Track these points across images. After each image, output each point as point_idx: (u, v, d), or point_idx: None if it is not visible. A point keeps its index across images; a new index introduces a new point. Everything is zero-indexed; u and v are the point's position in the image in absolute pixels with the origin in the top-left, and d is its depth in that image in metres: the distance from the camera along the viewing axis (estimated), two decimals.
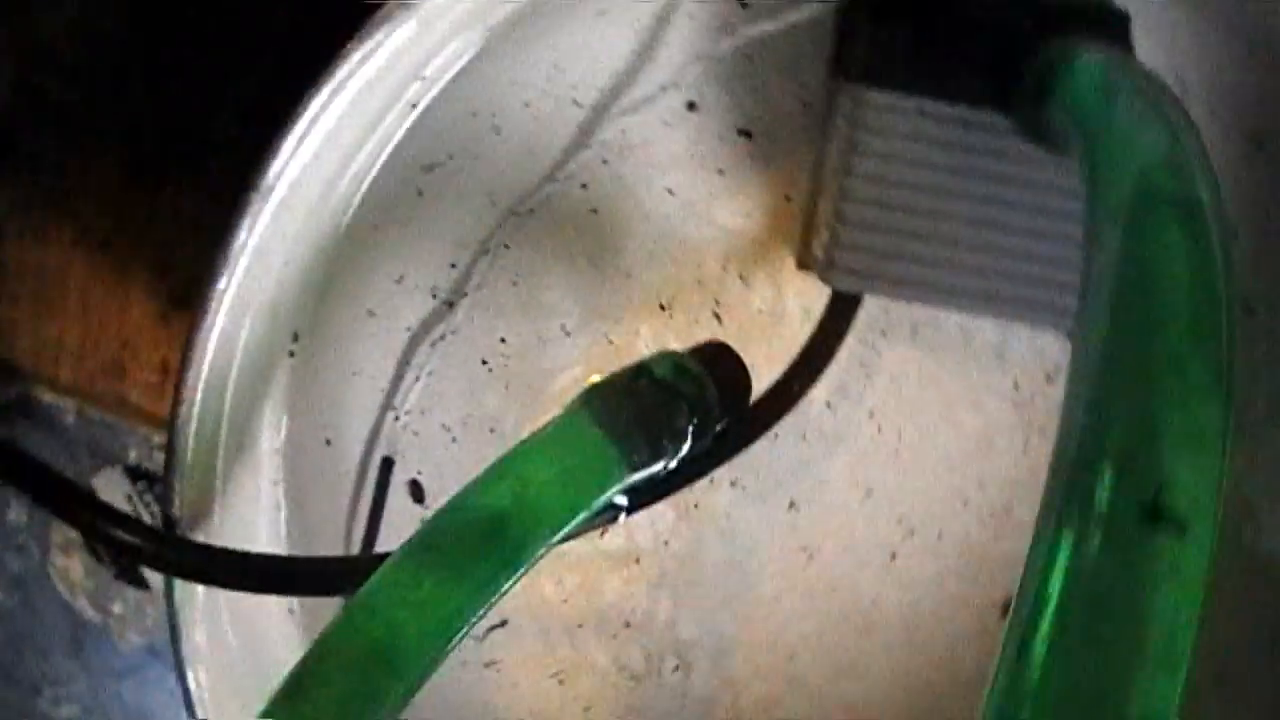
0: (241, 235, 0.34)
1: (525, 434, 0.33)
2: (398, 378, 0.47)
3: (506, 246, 0.45)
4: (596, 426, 0.33)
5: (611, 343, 0.46)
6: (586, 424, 0.33)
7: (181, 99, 0.51)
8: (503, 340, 0.46)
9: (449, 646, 0.29)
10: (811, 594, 0.48)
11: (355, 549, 0.43)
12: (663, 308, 0.47)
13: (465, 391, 0.46)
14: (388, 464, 0.46)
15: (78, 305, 0.53)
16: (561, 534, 0.32)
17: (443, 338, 0.46)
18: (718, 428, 0.36)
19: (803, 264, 0.40)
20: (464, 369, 0.46)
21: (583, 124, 0.44)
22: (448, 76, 0.35)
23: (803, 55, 0.43)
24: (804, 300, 0.46)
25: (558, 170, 0.44)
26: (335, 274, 0.39)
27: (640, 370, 0.36)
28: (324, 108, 0.32)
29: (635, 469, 0.34)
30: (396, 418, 0.46)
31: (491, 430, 0.47)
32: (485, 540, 0.31)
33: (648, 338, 0.47)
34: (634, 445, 0.34)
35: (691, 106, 0.46)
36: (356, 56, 0.32)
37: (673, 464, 0.35)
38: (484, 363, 0.46)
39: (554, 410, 0.46)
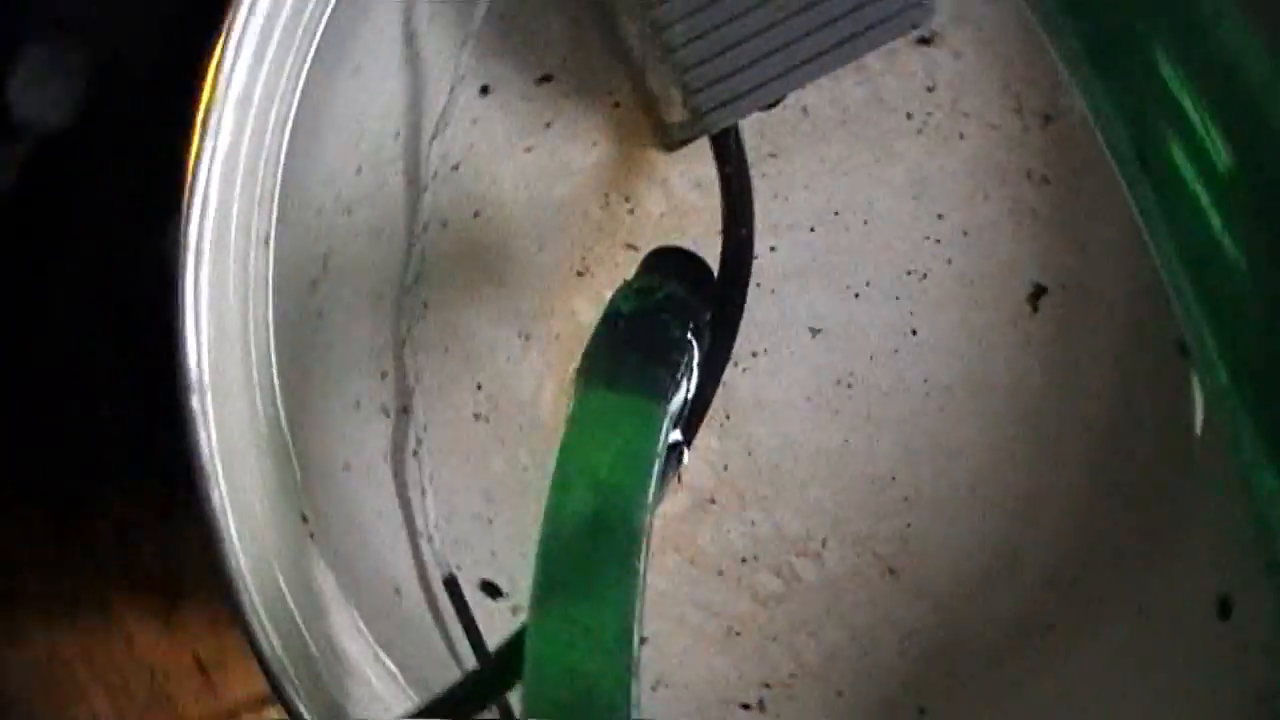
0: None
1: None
2: (406, 504, 0.46)
3: (417, 323, 0.44)
4: (609, 390, 0.33)
5: (557, 337, 0.46)
6: (600, 394, 0.33)
7: None
8: (479, 386, 0.45)
9: (635, 663, 0.29)
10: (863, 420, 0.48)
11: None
12: (580, 274, 0.46)
13: (472, 465, 0.45)
14: (452, 583, 0.45)
15: None
16: (652, 497, 0.31)
17: (419, 445, 0.45)
18: (708, 316, 0.36)
19: (669, 145, 0.40)
20: (457, 447, 0.45)
21: (408, 173, 0.43)
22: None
23: None
24: (690, 176, 0.45)
25: (416, 230, 0.43)
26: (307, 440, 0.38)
27: (610, 317, 0.35)
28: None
29: (668, 400, 0.33)
30: (429, 539, 0.44)
31: (523, 473, 0.46)
32: (596, 545, 0.30)
33: (585, 308, 0.46)
34: (652, 381, 0.33)
35: (485, 90, 0.45)
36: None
37: (694, 375, 0.34)
38: (476, 417, 0.45)
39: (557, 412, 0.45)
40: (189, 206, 0.31)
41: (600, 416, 0.33)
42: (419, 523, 0.45)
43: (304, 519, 0.38)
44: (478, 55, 0.43)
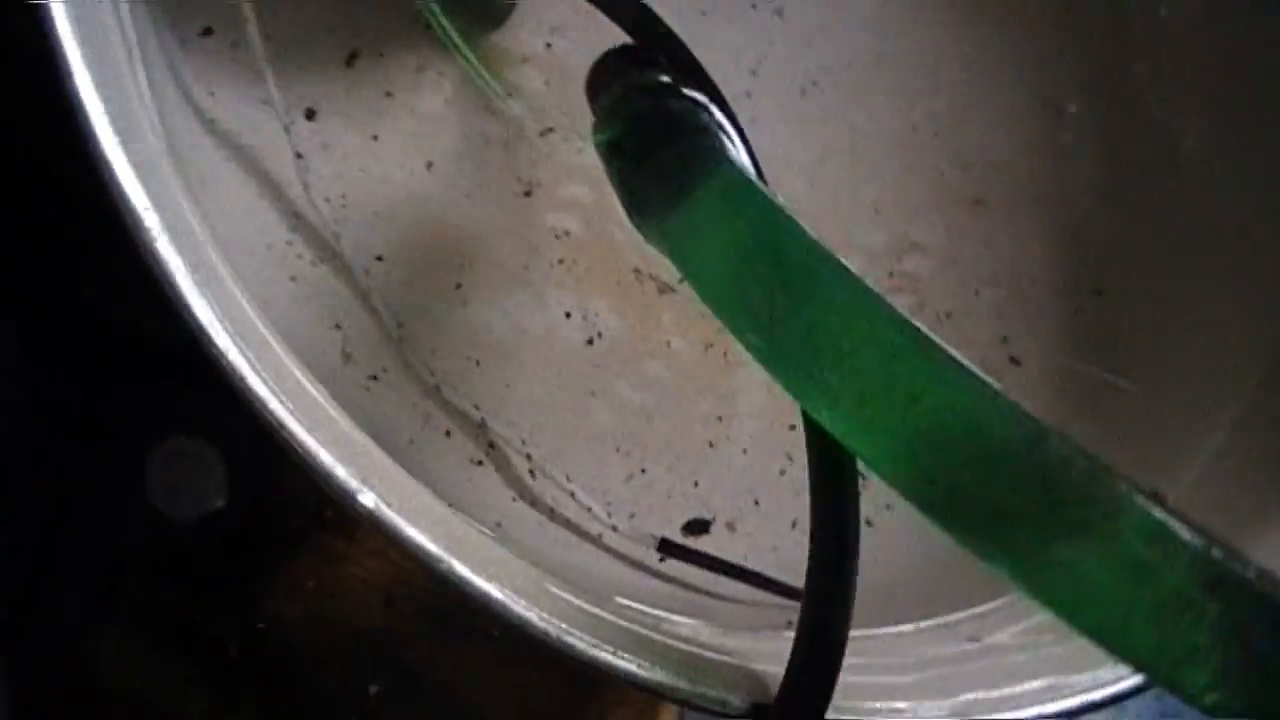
0: None
1: None
2: None
3: None
4: (687, 199, 0.29)
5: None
6: (685, 210, 0.29)
7: None
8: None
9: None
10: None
11: None
12: (527, 194, 0.42)
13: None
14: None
15: None
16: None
17: None
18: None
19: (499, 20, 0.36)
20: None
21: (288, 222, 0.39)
22: None
23: None
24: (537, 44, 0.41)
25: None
26: None
27: (617, 154, 0.31)
28: None
29: (730, 158, 0.29)
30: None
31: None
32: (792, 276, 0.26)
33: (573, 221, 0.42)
34: (707, 155, 0.29)
35: (310, 114, 0.41)
36: None
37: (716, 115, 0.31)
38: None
39: None
40: None
41: (707, 223, 0.28)
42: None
43: None
44: (277, 78, 0.39)
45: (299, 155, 0.40)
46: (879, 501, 0.43)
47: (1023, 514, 0.22)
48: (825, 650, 0.28)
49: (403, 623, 0.43)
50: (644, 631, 0.30)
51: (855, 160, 0.46)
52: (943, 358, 0.24)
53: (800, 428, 0.44)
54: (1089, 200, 0.47)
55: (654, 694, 0.28)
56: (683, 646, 0.30)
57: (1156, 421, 0.43)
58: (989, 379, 0.23)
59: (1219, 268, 0.45)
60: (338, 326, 0.40)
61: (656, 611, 0.38)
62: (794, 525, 0.44)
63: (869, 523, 0.45)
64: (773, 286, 0.26)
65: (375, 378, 0.40)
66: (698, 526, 0.43)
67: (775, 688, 0.28)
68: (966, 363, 0.23)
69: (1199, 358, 0.45)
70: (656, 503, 0.43)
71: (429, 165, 0.42)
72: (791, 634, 0.28)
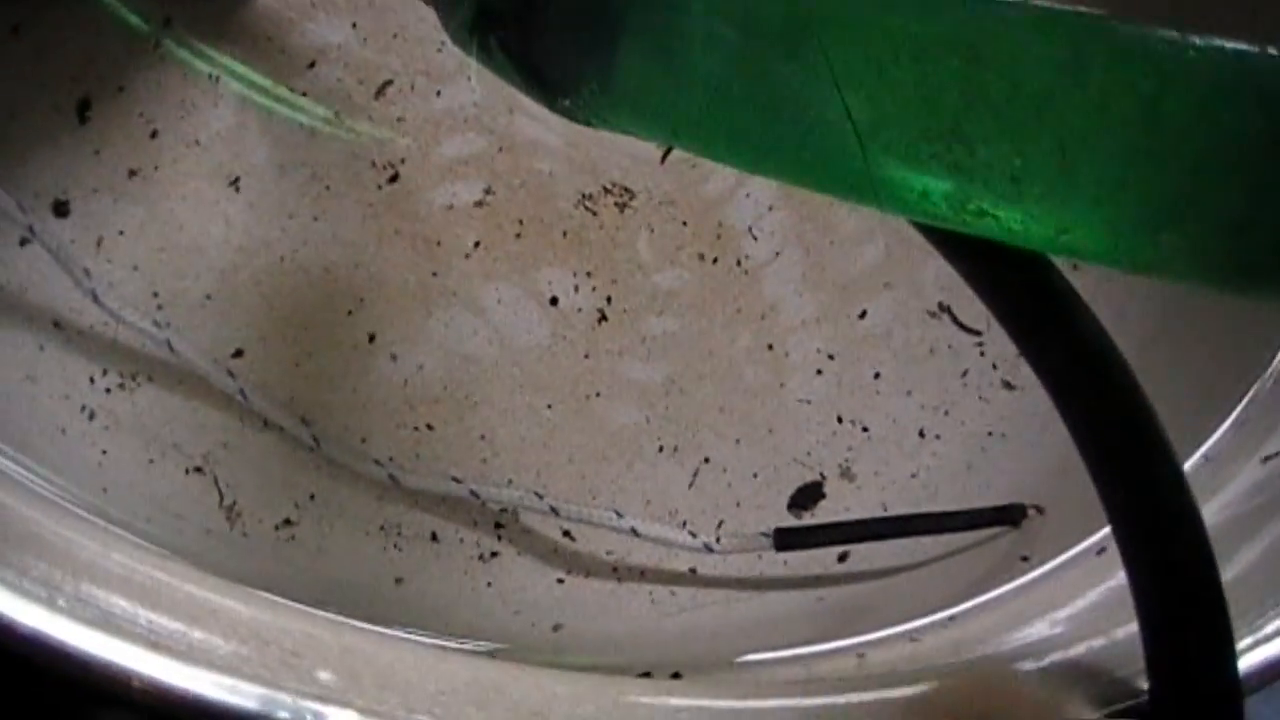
0: None
1: None
2: None
3: None
4: None
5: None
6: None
7: None
8: None
9: None
10: None
11: None
12: (393, 179, 0.30)
13: None
14: None
15: None
16: None
17: None
18: None
19: None
20: None
21: None
22: None
23: None
24: None
25: None
26: None
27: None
28: None
29: None
30: None
31: None
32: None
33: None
34: None
35: (61, 207, 0.28)
36: None
37: None
38: None
39: None
40: None
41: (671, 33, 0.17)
42: None
43: None
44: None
45: (66, 264, 0.27)
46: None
47: None
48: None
49: None
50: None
51: None
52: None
53: (872, 314, 0.32)
54: None
55: None
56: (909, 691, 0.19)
57: None
58: None
59: None
60: (199, 470, 0.27)
61: (821, 647, 0.26)
62: (921, 435, 0.32)
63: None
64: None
65: (290, 521, 0.27)
66: (808, 495, 0.31)
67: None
68: None
69: None
70: (742, 491, 0.31)
71: (249, 205, 0.29)
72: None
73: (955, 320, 0.33)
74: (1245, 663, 0.20)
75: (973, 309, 0.33)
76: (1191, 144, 0.15)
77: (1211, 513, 0.25)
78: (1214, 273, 0.17)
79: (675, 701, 0.19)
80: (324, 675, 0.16)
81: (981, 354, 0.33)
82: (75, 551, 0.17)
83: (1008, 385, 0.33)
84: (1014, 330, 0.18)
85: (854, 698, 0.20)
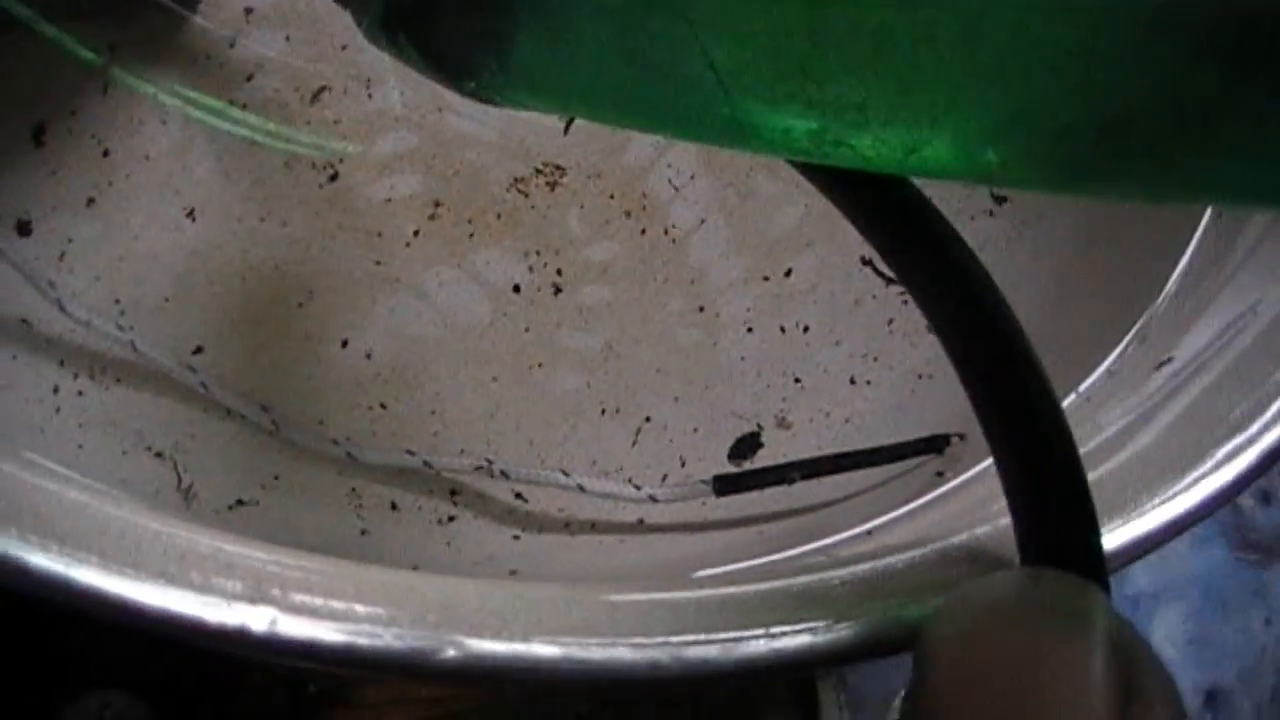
0: None
1: None
2: None
3: None
4: None
5: None
6: None
7: None
8: None
9: None
10: None
11: None
12: (333, 178, 0.32)
13: None
14: None
15: None
16: None
17: None
18: None
19: None
20: None
21: None
22: None
23: None
24: None
25: None
26: None
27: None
28: None
29: None
30: None
31: None
32: None
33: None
34: None
35: (23, 226, 0.30)
36: None
37: None
38: None
39: None
40: None
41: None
42: None
43: None
44: None
45: (32, 277, 0.29)
46: None
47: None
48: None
49: None
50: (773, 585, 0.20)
51: None
52: None
53: (797, 272, 0.34)
54: None
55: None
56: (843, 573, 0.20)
57: None
58: None
59: None
60: (160, 455, 0.29)
61: (753, 562, 0.28)
62: (852, 381, 0.34)
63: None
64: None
65: (242, 502, 0.29)
66: (747, 445, 0.33)
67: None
68: None
69: None
70: (684, 446, 0.33)
71: (191, 212, 0.31)
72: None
73: (877, 272, 0.35)
74: (1128, 534, 0.22)
75: None
76: (1011, 60, 0.17)
77: (1115, 417, 0.27)
78: (1049, 177, 0.18)
79: (660, 596, 0.20)
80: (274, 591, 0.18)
81: (905, 302, 0.35)
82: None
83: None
84: (880, 247, 0.20)
85: (827, 575, 0.21)
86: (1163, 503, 0.22)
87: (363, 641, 0.17)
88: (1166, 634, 0.46)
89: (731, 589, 0.20)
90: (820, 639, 0.18)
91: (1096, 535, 0.19)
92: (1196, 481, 0.22)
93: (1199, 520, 0.22)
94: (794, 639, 0.18)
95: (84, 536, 0.17)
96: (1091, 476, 0.19)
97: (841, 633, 0.18)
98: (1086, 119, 0.17)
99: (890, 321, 0.35)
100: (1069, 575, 0.17)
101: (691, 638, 0.18)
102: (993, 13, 0.17)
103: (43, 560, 0.17)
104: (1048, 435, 0.19)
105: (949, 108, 0.18)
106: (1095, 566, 0.19)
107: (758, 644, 0.18)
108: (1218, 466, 0.23)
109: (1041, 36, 0.17)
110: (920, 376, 0.34)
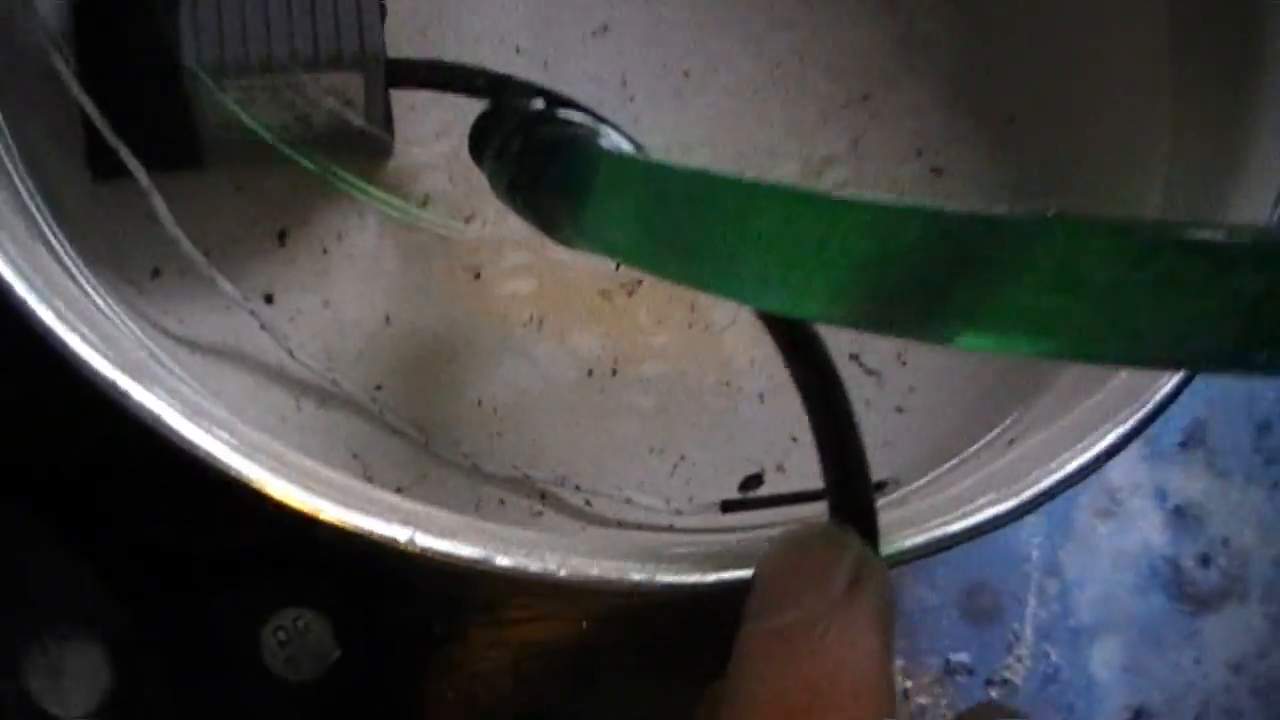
0: None
1: None
2: None
3: None
4: (590, 191, 0.33)
5: None
6: (592, 199, 0.33)
7: None
8: None
9: None
10: None
11: None
12: (477, 277, 0.46)
13: None
14: None
15: None
16: None
17: None
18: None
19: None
20: None
21: None
22: None
23: None
24: None
25: None
26: None
27: (508, 180, 0.37)
28: None
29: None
30: None
31: None
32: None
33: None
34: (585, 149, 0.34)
35: (269, 298, 0.45)
36: None
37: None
38: None
39: None
40: None
41: (610, 207, 0.33)
42: None
43: None
44: None
45: (274, 333, 0.44)
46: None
47: (962, 274, 0.23)
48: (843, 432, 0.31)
49: (538, 689, 0.47)
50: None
51: (742, 122, 0.50)
52: (833, 200, 0.26)
53: None
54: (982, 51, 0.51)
55: None
56: None
57: None
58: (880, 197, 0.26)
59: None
60: (355, 456, 0.44)
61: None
62: None
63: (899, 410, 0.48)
64: (682, 223, 0.30)
65: (400, 489, 0.44)
66: (752, 482, 0.46)
67: None
68: (860, 196, 0.26)
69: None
70: (707, 479, 0.46)
71: (385, 293, 0.46)
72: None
73: (862, 365, 0.48)
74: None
75: (875, 358, 0.49)
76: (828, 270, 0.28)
77: None
78: (874, 327, 0.30)
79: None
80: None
81: (880, 389, 0.48)
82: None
83: (899, 410, 0.48)
84: (785, 355, 0.33)
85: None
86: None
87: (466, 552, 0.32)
88: (1104, 660, 0.58)
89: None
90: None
91: (870, 505, 0.32)
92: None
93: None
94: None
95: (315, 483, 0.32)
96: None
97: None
98: (872, 297, 0.27)
99: (867, 402, 0.48)
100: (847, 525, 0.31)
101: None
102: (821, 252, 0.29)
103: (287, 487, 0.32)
104: (850, 455, 0.32)
105: (802, 290, 0.30)
106: (868, 523, 0.32)
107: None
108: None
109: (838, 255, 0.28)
110: (881, 444, 0.47)
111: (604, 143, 0.36)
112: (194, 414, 0.31)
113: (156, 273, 0.45)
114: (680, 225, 0.30)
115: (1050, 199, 0.50)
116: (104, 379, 0.31)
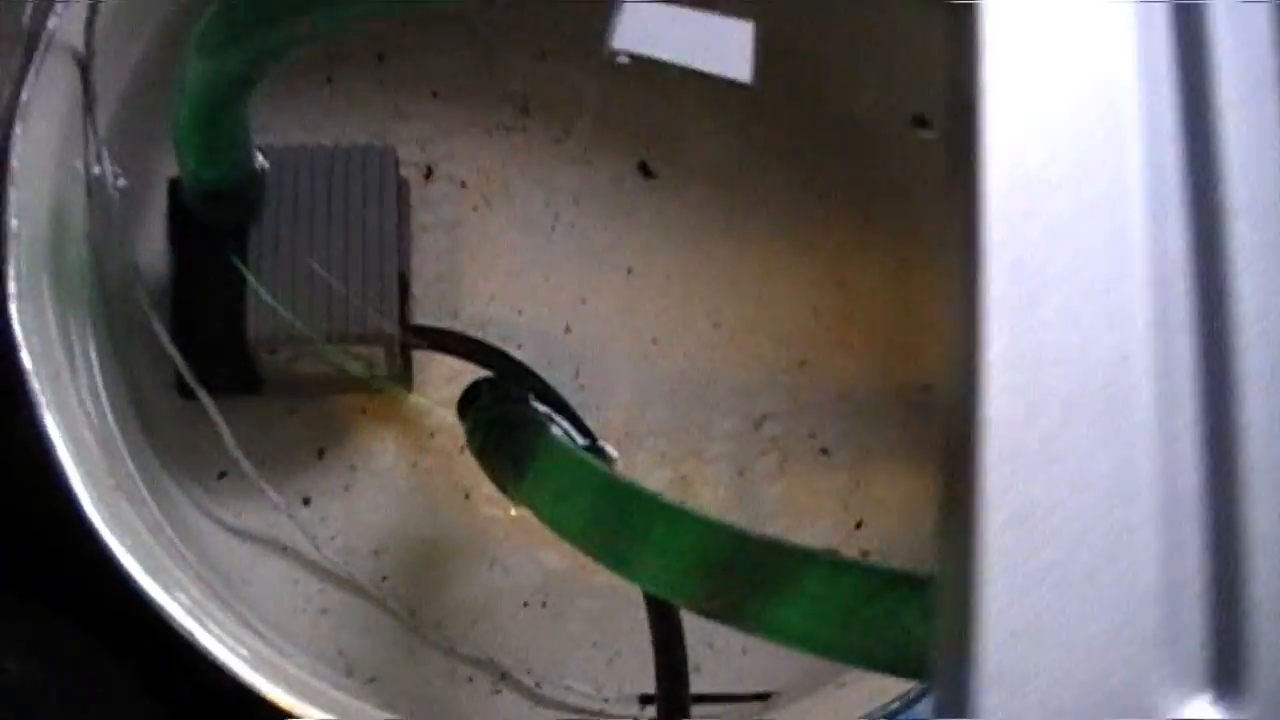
0: None
1: None
2: None
3: None
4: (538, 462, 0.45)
5: None
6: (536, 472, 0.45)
7: None
8: None
9: None
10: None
11: None
12: (466, 496, 0.59)
13: None
14: None
15: None
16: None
17: None
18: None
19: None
20: None
21: None
22: None
23: None
24: None
25: None
26: None
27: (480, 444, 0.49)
28: None
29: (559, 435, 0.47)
30: None
31: None
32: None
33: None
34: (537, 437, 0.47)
35: (306, 501, 0.58)
36: None
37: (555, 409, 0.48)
38: None
39: None
40: None
41: (543, 483, 0.45)
42: None
43: None
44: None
45: (306, 532, 0.57)
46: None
47: (746, 589, 0.36)
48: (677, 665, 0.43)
49: None
50: None
51: (695, 396, 0.63)
52: (697, 522, 0.38)
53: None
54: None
55: None
56: None
57: None
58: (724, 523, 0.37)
59: None
60: (339, 652, 0.57)
61: None
62: (744, 652, 0.58)
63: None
64: (583, 510, 0.42)
65: (373, 680, 0.56)
66: None
67: None
68: (718, 521, 0.38)
69: None
70: (635, 672, 0.58)
71: (397, 504, 0.59)
72: None
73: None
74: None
75: None
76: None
77: None
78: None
79: None
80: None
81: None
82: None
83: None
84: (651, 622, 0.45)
85: None
86: None
87: None
88: None
89: None
90: None
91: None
92: None
93: None
94: None
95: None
96: None
97: None
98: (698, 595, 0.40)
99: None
100: None
101: None
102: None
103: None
104: (675, 671, 0.44)
105: (653, 578, 0.42)
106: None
107: None
108: None
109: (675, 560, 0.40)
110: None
111: (553, 430, 0.48)
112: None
113: (222, 474, 0.58)
114: (581, 512, 0.42)
115: None
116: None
